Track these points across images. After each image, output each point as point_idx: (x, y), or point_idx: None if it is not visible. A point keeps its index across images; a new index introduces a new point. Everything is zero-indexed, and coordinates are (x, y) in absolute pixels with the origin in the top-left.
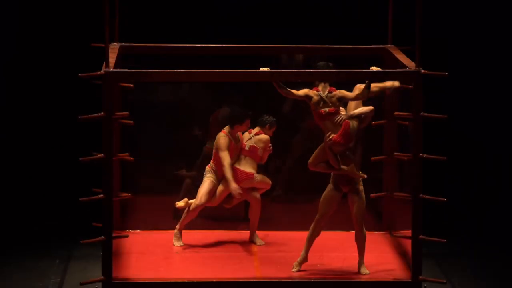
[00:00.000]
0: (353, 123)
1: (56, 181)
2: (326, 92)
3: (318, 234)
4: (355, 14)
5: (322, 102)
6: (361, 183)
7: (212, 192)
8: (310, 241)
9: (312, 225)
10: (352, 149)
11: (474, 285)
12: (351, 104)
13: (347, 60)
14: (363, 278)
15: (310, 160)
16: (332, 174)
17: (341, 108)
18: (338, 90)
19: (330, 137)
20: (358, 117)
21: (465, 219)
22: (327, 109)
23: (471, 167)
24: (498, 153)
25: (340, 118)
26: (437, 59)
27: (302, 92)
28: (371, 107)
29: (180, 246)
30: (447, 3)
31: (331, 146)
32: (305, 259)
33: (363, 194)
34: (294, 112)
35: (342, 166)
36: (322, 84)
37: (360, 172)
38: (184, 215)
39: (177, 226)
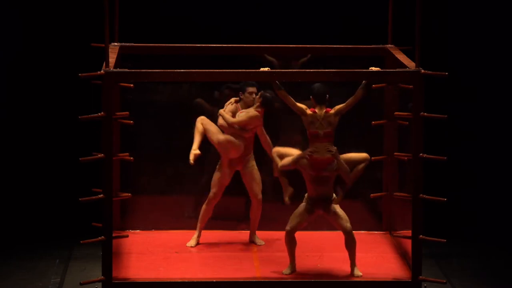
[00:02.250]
0: (335, 164)
1: (56, 181)
2: (323, 112)
3: (296, 243)
4: (355, 14)
5: (317, 123)
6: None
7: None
8: (292, 252)
9: (286, 238)
10: (325, 181)
11: (474, 285)
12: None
13: (347, 60)
14: (363, 278)
15: (279, 149)
16: (306, 195)
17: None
18: (333, 108)
19: (309, 153)
20: (341, 166)
21: (465, 219)
22: (322, 132)
23: (471, 167)
24: (499, 153)
25: (332, 150)
26: (437, 59)
27: (300, 106)
28: (357, 176)
29: (190, 246)
30: (447, 3)
31: (300, 160)
32: (294, 269)
33: (341, 210)
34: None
35: (282, 177)
36: (319, 106)
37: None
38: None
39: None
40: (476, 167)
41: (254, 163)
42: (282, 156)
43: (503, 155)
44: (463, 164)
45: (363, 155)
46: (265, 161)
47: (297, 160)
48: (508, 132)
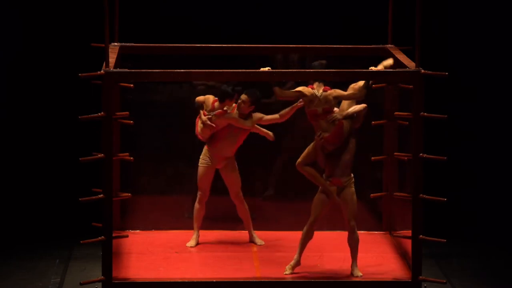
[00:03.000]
0: (346, 124)
1: (56, 181)
2: (321, 91)
3: (311, 237)
4: (355, 14)
5: (316, 101)
6: (352, 185)
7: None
8: (304, 244)
9: (305, 228)
10: (343, 149)
11: (474, 285)
12: (344, 103)
13: (347, 60)
14: (363, 278)
15: (300, 160)
16: (324, 175)
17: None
18: (333, 89)
19: (321, 136)
20: (352, 116)
21: (465, 219)
22: (320, 108)
23: (471, 167)
24: (499, 153)
25: (335, 117)
26: (437, 59)
27: (296, 91)
28: (364, 105)
29: (190, 246)
30: (447, 3)
31: (323, 145)
32: (298, 263)
33: (355, 196)
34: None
35: (321, 179)
36: (317, 83)
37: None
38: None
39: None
40: (476, 167)
41: (235, 164)
42: (306, 161)
43: (503, 155)
44: (463, 164)
45: (360, 106)
46: (268, 160)
47: (317, 151)
48: (508, 132)
